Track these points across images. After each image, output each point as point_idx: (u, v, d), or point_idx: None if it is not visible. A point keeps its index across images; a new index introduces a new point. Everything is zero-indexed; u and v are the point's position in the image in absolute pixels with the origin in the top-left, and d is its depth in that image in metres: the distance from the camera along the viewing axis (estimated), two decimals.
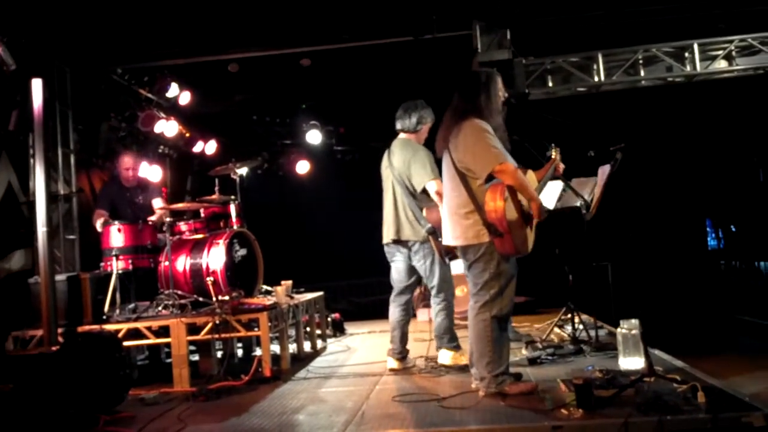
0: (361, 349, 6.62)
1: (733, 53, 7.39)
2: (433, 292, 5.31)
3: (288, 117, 9.92)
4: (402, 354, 5.42)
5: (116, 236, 5.92)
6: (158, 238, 6.19)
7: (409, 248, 5.33)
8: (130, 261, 5.92)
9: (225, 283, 5.77)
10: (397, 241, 5.34)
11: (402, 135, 5.50)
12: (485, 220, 4.06)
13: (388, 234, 5.40)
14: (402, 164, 5.31)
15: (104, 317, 5.56)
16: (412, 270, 5.43)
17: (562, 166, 4.73)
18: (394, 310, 5.49)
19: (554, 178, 4.79)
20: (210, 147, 9.04)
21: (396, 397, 4.40)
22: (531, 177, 4.43)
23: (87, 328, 5.31)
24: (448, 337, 5.28)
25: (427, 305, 6.00)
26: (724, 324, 10.03)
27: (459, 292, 6.97)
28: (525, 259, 4.24)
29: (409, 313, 5.56)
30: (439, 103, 5.44)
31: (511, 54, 7.02)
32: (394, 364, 5.40)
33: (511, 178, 4.03)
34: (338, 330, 7.59)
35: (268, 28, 6.96)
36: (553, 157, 4.74)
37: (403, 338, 5.43)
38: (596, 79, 7.52)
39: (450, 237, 4.35)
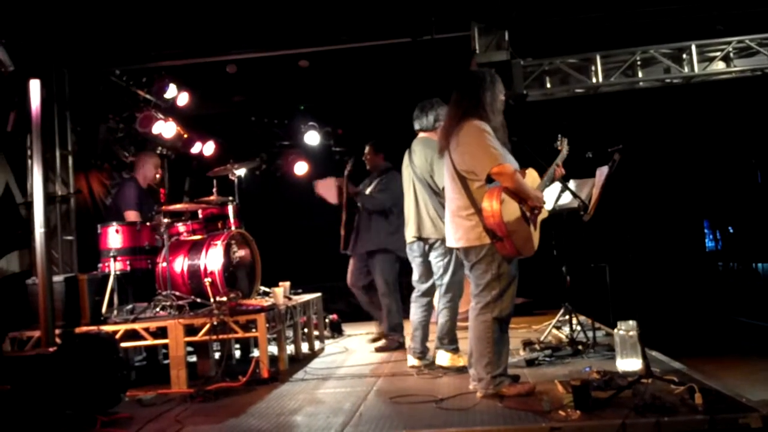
0: (359, 350, 6.62)
1: (731, 55, 7.40)
2: (441, 290, 5.31)
3: (286, 118, 9.92)
4: (422, 353, 5.45)
5: (114, 237, 5.91)
6: (156, 239, 6.18)
7: (430, 245, 5.33)
8: (127, 262, 5.91)
9: (223, 284, 5.76)
10: (419, 239, 5.35)
11: (421, 134, 5.51)
12: (485, 225, 4.06)
13: (409, 232, 5.43)
14: (424, 162, 5.32)
15: (102, 318, 5.54)
16: (432, 270, 5.43)
17: (561, 171, 4.70)
18: (416, 311, 5.52)
19: (552, 181, 4.75)
20: (208, 148, 9.04)
21: (394, 398, 4.39)
22: (532, 175, 4.41)
23: (84, 329, 5.30)
24: (449, 338, 5.28)
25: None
26: (722, 325, 10.04)
27: None
28: (523, 260, 4.24)
29: (430, 313, 5.57)
30: None
31: (510, 55, 7.03)
32: (414, 361, 5.42)
33: (509, 180, 4.03)
34: (336, 331, 7.59)
35: (267, 30, 6.97)
36: (560, 148, 4.73)
37: (424, 338, 5.47)
38: (594, 80, 7.53)
39: (452, 239, 4.35)
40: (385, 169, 6.57)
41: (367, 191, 6.50)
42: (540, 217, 4.29)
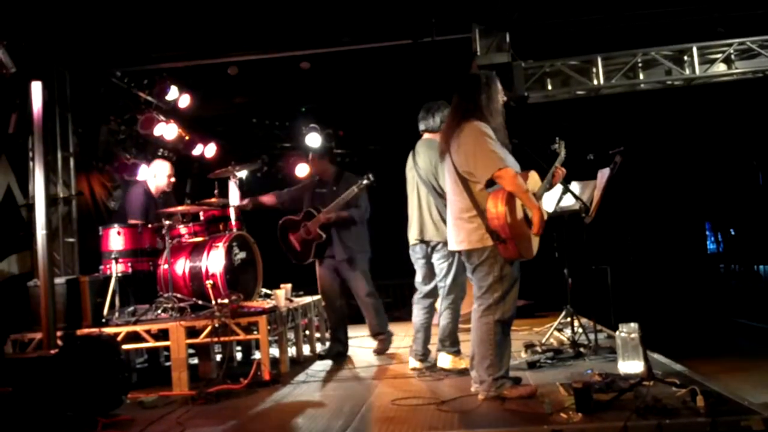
0: (360, 352, 6.62)
1: (732, 56, 7.40)
2: (443, 293, 5.30)
3: (287, 120, 9.93)
4: (424, 355, 5.45)
5: (116, 239, 5.91)
6: (157, 241, 6.18)
7: (432, 247, 5.33)
8: (129, 264, 5.90)
9: (224, 286, 5.76)
10: (422, 241, 5.35)
11: (426, 135, 5.48)
12: (488, 227, 4.06)
13: (412, 234, 5.42)
14: (428, 164, 5.30)
15: (103, 320, 5.54)
16: (435, 272, 5.42)
17: (561, 173, 4.69)
18: (418, 313, 5.51)
19: (552, 185, 4.73)
20: (209, 150, 9.05)
21: (395, 401, 4.39)
22: (534, 178, 4.40)
23: (86, 331, 5.31)
24: (450, 341, 5.28)
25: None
26: (723, 327, 10.03)
27: None
28: (524, 262, 4.24)
29: (432, 315, 5.55)
30: None
31: (511, 57, 7.02)
32: (415, 363, 5.42)
33: (511, 184, 4.02)
34: None
35: (268, 31, 6.96)
36: (558, 150, 4.72)
37: (426, 340, 5.46)
38: (595, 82, 7.51)
39: (454, 241, 4.35)
40: (337, 175, 6.52)
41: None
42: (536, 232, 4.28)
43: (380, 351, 6.42)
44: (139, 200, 6.59)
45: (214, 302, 5.48)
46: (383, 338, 6.46)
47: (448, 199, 4.44)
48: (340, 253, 6.33)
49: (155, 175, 6.76)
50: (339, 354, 6.34)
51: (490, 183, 4.10)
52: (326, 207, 6.26)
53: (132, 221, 6.37)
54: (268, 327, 5.32)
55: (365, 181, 6.16)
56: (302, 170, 9.99)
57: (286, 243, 6.55)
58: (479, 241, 4.15)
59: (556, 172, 4.58)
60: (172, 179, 6.84)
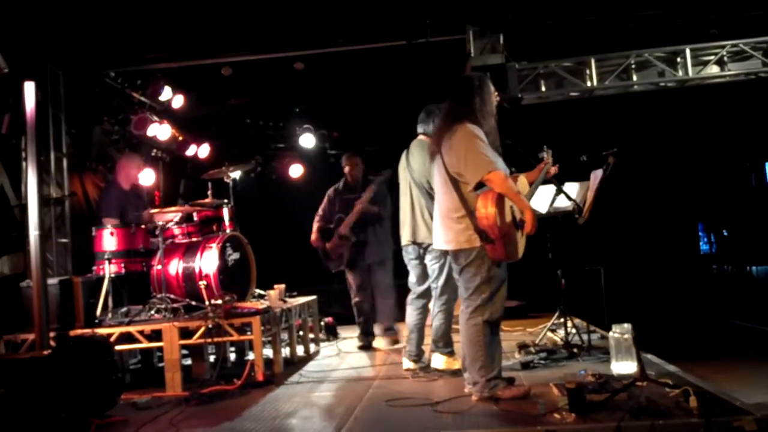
0: (354, 353, 6.62)
1: (725, 58, 7.41)
2: (436, 293, 5.31)
3: (281, 120, 9.93)
4: (418, 356, 5.45)
5: (109, 240, 5.89)
6: (151, 242, 6.16)
7: (424, 249, 5.34)
8: (122, 265, 5.88)
9: (218, 287, 5.76)
10: (414, 242, 5.37)
11: (422, 137, 5.49)
12: (476, 226, 4.07)
13: (405, 235, 5.45)
14: (422, 166, 5.30)
15: (96, 321, 5.53)
16: (428, 273, 5.44)
17: (554, 169, 4.75)
18: (411, 313, 5.53)
19: (546, 181, 4.79)
20: (203, 150, 9.04)
21: (389, 401, 4.39)
22: (522, 182, 4.44)
23: (79, 332, 5.30)
24: (444, 342, 5.28)
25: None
26: (716, 328, 10.06)
27: None
28: (518, 263, 4.25)
29: (425, 315, 5.57)
30: None
31: (504, 58, 7.03)
32: (409, 364, 5.42)
33: (501, 186, 4.03)
34: (331, 334, 7.58)
35: (262, 32, 6.96)
36: (545, 159, 4.76)
37: (420, 341, 5.47)
38: (589, 83, 7.52)
39: (441, 241, 4.36)
40: (364, 178, 6.78)
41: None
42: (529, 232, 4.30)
43: (394, 346, 6.59)
44: (112, 200, 6.62)
45: (207, 303, 5.47)
46: (392, 335, 6.68)
47: (437, 198, 4.45)
48: (373, 254, 6.62)
49: (124, 169, 6.73)
50: (367, 346, 6.68)
51: (479, 185, 4.11)
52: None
53: (106, 221, 6.35)
54: (262, 328, 5.32)
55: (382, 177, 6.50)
56: (296, 171, 9.99)
57: (324, 252, 6.82)
58: (467, 242, 4.16)
59: (549, 169, 4.65)
60: (137, 171, 6.87)
